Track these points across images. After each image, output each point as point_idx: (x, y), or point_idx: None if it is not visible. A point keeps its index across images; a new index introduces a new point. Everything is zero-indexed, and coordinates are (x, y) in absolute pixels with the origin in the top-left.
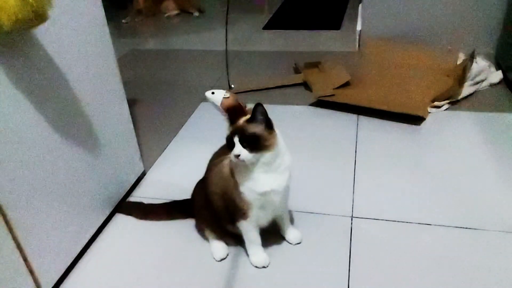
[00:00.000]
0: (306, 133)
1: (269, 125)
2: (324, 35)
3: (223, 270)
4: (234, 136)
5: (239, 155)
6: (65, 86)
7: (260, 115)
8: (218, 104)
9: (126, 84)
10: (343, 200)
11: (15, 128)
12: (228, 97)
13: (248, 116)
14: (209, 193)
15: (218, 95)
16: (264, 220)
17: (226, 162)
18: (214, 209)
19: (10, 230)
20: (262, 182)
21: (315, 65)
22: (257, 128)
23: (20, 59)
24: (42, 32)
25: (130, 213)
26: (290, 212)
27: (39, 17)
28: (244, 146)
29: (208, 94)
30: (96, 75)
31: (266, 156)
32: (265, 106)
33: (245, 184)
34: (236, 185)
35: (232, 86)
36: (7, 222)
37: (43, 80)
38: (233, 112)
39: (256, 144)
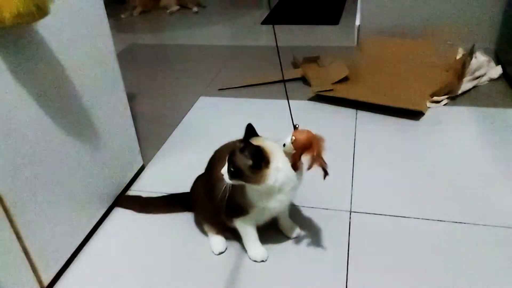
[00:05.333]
0: (305, 128)
1: (256, 166)
2: (323, 30)
3: (221, 264)
4: (230, 154)
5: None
6: (65, 80)
7: (247, 153)
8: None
9: (125, 78)
10: (341, 194)
11: (15, 122)
12: (293, 141)
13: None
14: (215, 179)
15: (287, 144)
16: (262, 221)
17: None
18: (213, 200)
19: (12, 222)
20: (264, 199)
21: (313, 60)
22: (241, 162)
23: (21, 54)
24: (42, 27)
25: (128, 206)
26: (288, 207)
27: (41, 11)
28: (228, 169)
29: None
30: (96, 69)
31: (257, 187)
32: (263, 100)
33: (249, 190)
34: (241, 187)
35: (297, 125)
36: (8, 215)
37: (43, 75)
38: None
39: (236, 173)
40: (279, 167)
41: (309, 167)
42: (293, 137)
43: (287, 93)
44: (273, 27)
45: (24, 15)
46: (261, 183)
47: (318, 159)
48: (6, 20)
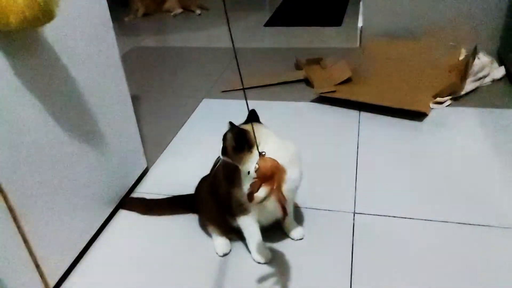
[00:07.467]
0: (308, 129)
1: (238, 148)
2: (325, 31)
3: (226, 266)
4: None
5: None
6: (70, 83)
7: (231, 134)
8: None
9: (129, 80)
10: (345, 196)
11: (21, 125)
12: (256, 170)
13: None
14: (220, 180)
15: (251, 173)
16: (266, 220)
17: None
18: (218, 202)
19: (17, 224)
20: None
21: (316, 61)
22: (227, 142)
23: (27, 58)
24: (48, 31)
25: (133, 208)
26: (292, 208)
27: (47, 15)
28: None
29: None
30: (100, 72)
31: (241, 168)
32: (266, 102)
33: (243, 178)
34: (239, 182)
35: (264, 153)
36: (14, 217)
37: (48, 78)
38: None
39: (224, 151)
40: None
41: (265, 199)
42: (257, 165)
43: (246, 100)
44: (229, 28)
45: (30, 20)
46: (242, 165)
47: (276, 193)
48: (12, 25)
